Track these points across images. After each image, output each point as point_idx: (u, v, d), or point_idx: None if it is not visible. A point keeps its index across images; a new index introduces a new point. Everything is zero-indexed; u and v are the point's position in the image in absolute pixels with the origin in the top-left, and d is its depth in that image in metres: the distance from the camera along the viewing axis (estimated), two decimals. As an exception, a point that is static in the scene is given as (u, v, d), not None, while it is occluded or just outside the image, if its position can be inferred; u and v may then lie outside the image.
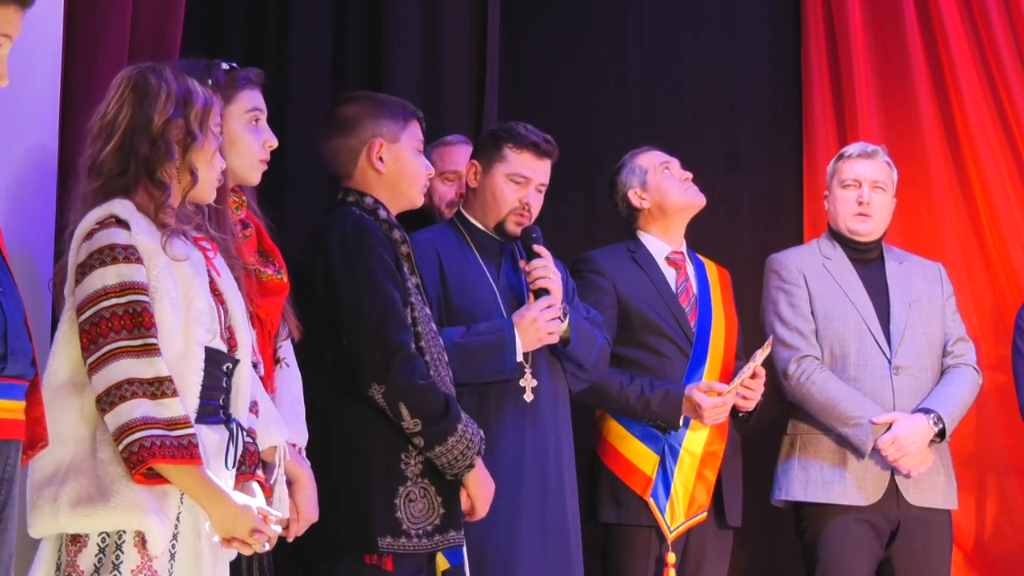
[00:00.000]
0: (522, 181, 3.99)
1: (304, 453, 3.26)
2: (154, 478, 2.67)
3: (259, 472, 2.92)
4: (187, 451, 2.66)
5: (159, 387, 2.66)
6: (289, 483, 3.13)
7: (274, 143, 3.26)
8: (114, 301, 2.68)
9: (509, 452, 3.81)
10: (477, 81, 4.74)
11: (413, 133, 3.65)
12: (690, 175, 4.46)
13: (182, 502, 2.73)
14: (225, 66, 3.17)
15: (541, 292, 3.89)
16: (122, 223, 2.74)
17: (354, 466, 3.40)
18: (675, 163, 4.49)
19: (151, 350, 2.67)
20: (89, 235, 2.74)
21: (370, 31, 4.68)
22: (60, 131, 3.29)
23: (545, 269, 3.91)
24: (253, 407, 2.96)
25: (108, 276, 2.70)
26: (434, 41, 4.72)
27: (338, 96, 3.83)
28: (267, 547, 2.80)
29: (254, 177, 3.24)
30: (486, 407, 3.80)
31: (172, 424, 2.66)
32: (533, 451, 3.87)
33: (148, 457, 2.63)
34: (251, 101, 3.21)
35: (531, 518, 3.83)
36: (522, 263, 3.96)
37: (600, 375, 4.15)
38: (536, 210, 4.02)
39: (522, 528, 3.81)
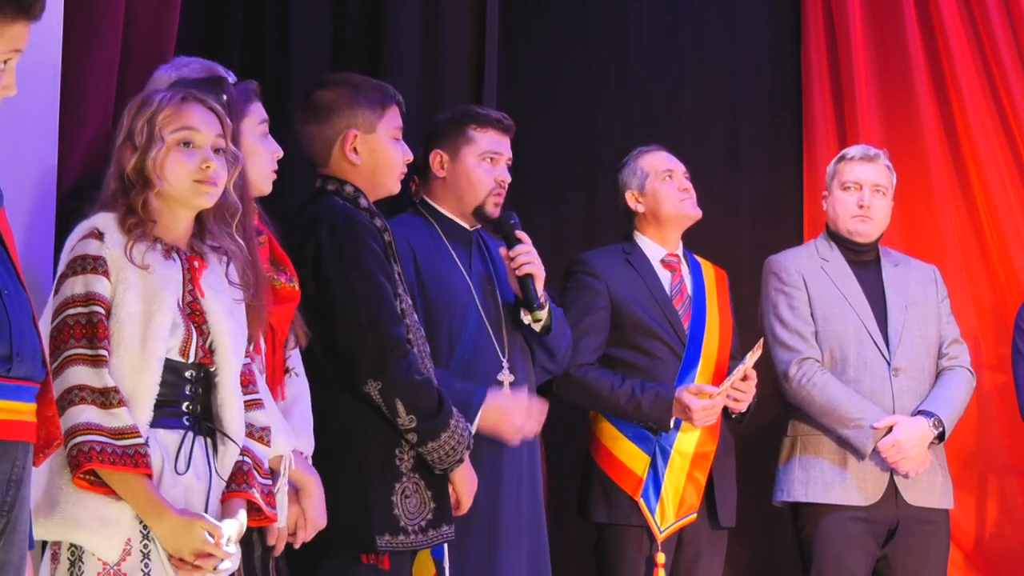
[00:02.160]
0: (495, 157, 3.96)
1: (311, 461, 3.24)
2: (99, 486, 2.68)
3: (254, 492, 2.89)
4: (131, 459, 2.67)
5: (107, 397, 2.68)
6: (296, 490, 3.13)
7: (280, 152, 3.26)
8: (78, 310, 2.73)
9: (487, 449, 3.77)
10: (476, 81, 4.73)
11: (391, 120, 3.61)
12: (690, 186, 4.45)
13: None
14: (232, 79, 3.18)
15: (526, 278, 3.87)
16: (100, 235, 2.78)
17: (350, 463, 3.38)
18: (679, 171, 4.47)
19: (101, 361, 2.70)
20: (72, 246, 2.80)
21: (370, 31, 4.67)
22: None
23: (529, 254, 3.87)
24: (262, 433, 2.95)
25: (76, 285, 2.75)
26: (434, 41, 4.71)
27: (316, 79, 3.78)
28: (227, 566, 2.77)
29: (267, 187, 3.24)
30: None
31: (119, 434, 2.67)
32: (510, 447, 3.84)
33: (84, 461, 2.64)
34: (260, 113, 3.22)
35: (509, 515, 3.82)
36: (503, 250, 3.92)
37: (563, 369, 4.14)
38: (506, 188, 4.00)
39: (501, 525, 3.80)
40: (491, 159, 3.96)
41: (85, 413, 2.67)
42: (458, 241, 3.96)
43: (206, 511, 2.80)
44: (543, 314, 3.89)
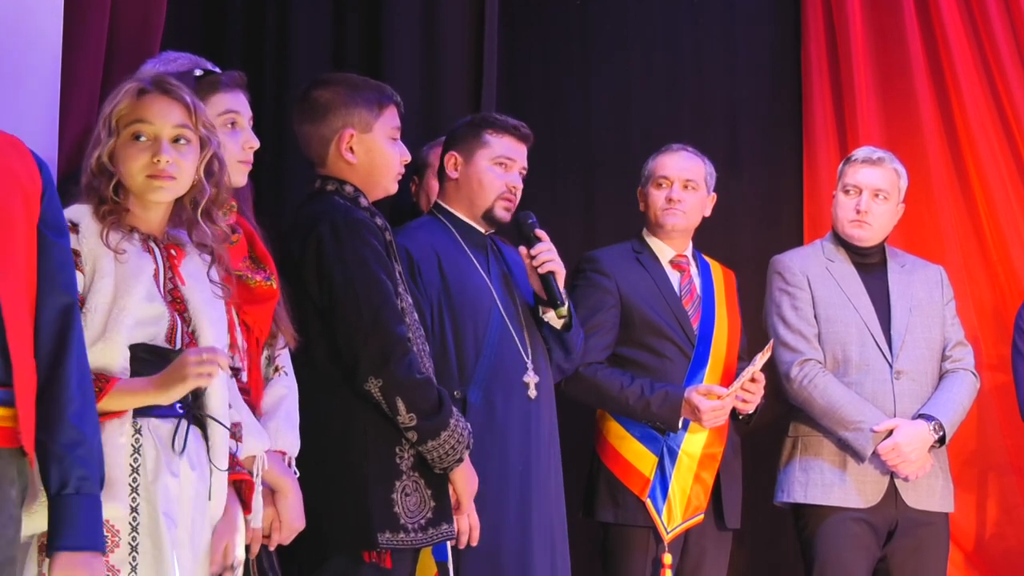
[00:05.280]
0: (508, 163, 3.96)
1: (294, 463, 3.23)
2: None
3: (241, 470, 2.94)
4: (98, 384, 2.67)
5: None
6: (272, 492, 3.11)
7: (254, 144, 3.19)
8: None
9: (517, 450, 3.79)
10: (476, 81, 4.74)
11: (388, 120, 3.60)
12: (682, 199, 4.41)
13: (138, 493, 2.72)
14: (198, 72, 3.14)
15: (548, 275, 3.87)
16: (74, 227, 2.76)
17: (350, 461, 3.37)
18: (677, 179, 4.42)
19: None
20: None
21: (370, 31, 4.68)
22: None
23: (550, 252, 3.88)
24: (234, 428, 2.94)
25: None
26: (433, 41, 4.71)
27: (313, 78, 3.76)
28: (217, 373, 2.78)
29: (237, 178, 3.17)
30: (493, 404, 3.77)
31: None
32: (538, 447, 3.85)
33: None
34: (223, 104, 3.13)
35: (540, 513, 3.83)
36: (522, 249, 3.92)
37: (576, 367, 4.15)
38: (519, 195, 4.00)
39: (533, 525, 3.80)
40: (504, 164, 3.96)
41: None
42: (475, 245, 3.97)
43: (209, 499, 2.82)
44: (566, 311, 3.90)
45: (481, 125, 4.00)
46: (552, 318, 3.95)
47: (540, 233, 3.92)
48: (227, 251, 3.00)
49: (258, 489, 3.03)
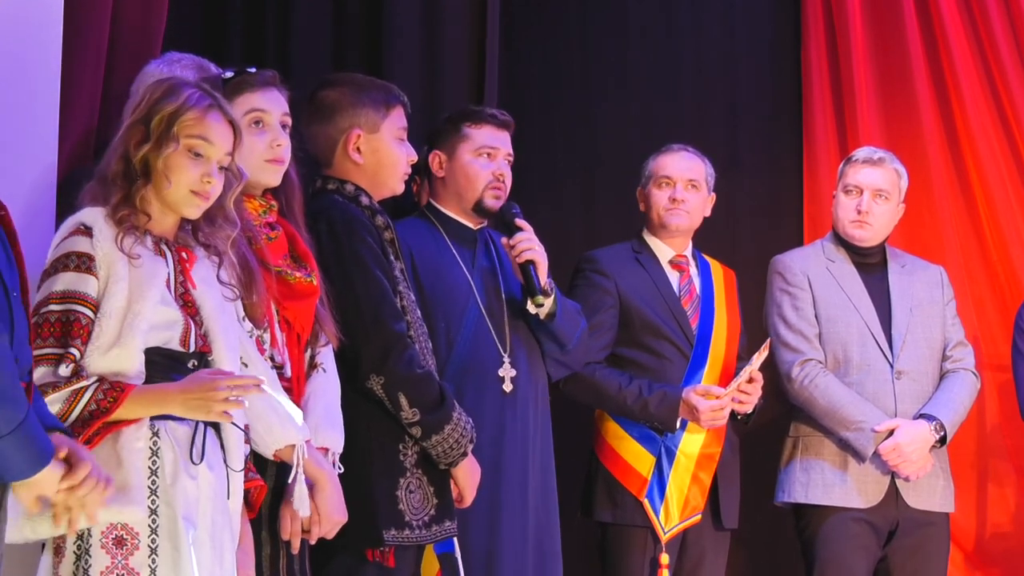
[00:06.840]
0: (491, 152, 3.97)
1: (337, 458, 3.24)
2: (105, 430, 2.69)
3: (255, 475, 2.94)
4: (115, 392, 2.68)
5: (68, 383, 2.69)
6: (310, 485, 3.11)
7: (281, 141, 3.21)
8: (53, 307, 2.73)
9: (488, 444, 3.77)
10: (476, 81, 4.74)
11: (395, 120, 3.61)
12: (685, 198, 4.42)
13: (157, 495, 2.73)
14: (229, 74, 3.17)
15: (527, 264, 3.86)
16: (87, 230, 2.77)
17: (355, 459, 3.36)
18: (680, 179, 4.43)
19: (67, 359, 2.70)
20: (59, 243, 2.80)
21: (370, 31, 4.68)
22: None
23: (529, 241, 3.88)
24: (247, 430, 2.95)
25: (57, 283, 2.75)
26: (434, 41, 4.72)
27: (321, 78, 3.78)
28: (244, 402, 2.79)
29: (266, 177, 3.19)
30: (464, 398, 3.74)
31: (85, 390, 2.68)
32: (513, 442, 3.85)
33: (87, 426, 2.66)
34: (249, 103, 3.17)
35: (512, 511, 3.82)
36: (504, 239, 3.93)
37: (580, 362, 4.13)
38: (508, 182, 4.00)
39: (503, 521, 3.80)
40: (487, 154, 3.97)
41: (54, 405, 2.66)
42: (461, 240, 3.97)
43: (227, 499, 2.83)
44: (546, 300, 3.88)
45: (459, 119, 4.01)
46: (534, 308, 3.92)
47: (521, 223, 3.92)
48: (243, 249, 3.01)
49: (300, 477, 3.05)
